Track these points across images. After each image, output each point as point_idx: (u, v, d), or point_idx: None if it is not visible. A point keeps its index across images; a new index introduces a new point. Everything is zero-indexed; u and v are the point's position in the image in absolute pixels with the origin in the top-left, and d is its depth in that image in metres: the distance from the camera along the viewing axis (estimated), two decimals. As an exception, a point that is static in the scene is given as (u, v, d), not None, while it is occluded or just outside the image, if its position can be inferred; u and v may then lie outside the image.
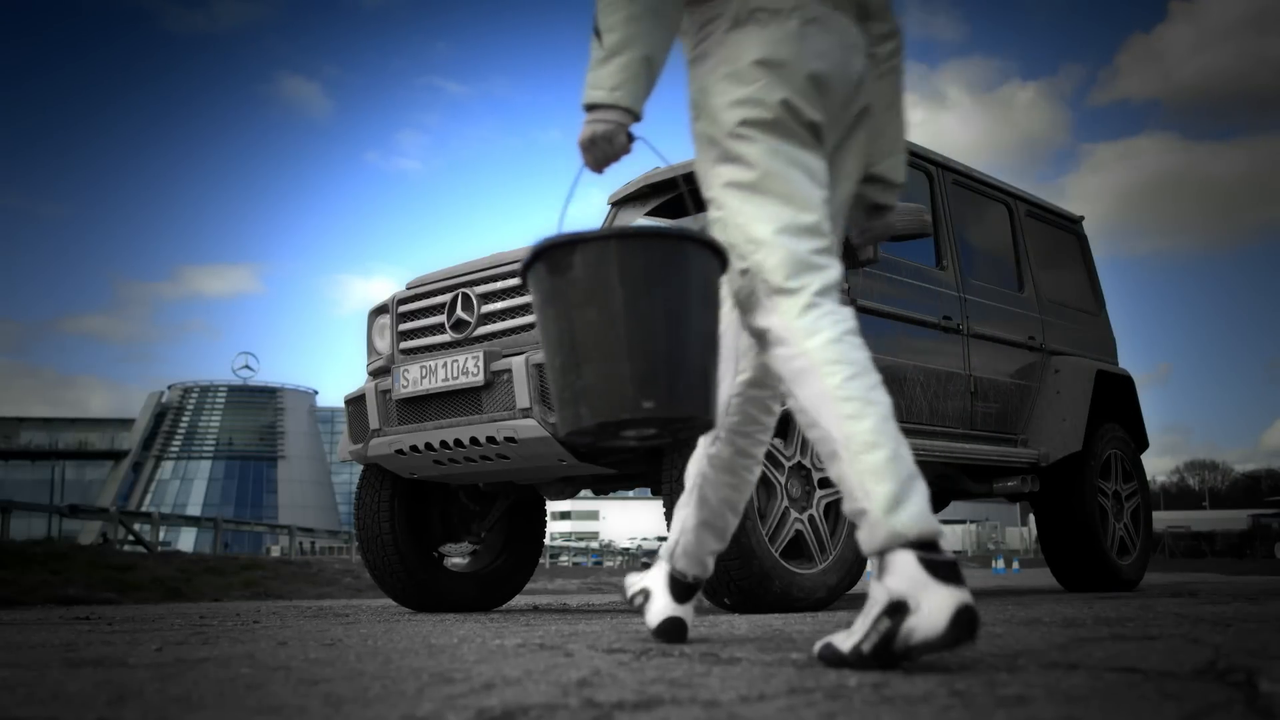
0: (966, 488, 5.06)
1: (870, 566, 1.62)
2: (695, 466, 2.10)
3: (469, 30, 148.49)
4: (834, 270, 1.80)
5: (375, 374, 4.30)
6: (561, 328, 1.70)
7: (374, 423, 4.14)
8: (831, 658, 1.59)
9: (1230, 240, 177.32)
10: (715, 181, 1.86)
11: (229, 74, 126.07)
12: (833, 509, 3.78)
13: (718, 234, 1.82)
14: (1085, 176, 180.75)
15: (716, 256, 1.75)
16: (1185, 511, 63.02)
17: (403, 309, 4.21)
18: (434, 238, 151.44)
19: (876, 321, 4.32)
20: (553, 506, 5.34)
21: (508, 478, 4.27)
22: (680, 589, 2.16)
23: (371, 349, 4.39)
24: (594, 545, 43.26)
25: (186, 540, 34.10)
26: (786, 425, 3.61)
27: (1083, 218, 6.19)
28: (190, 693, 1.37)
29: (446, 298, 4.05)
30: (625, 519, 68.46)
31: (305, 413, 74.38)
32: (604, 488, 4.64)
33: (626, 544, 44.46)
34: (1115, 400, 5.69)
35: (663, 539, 2.24)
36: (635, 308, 1.65)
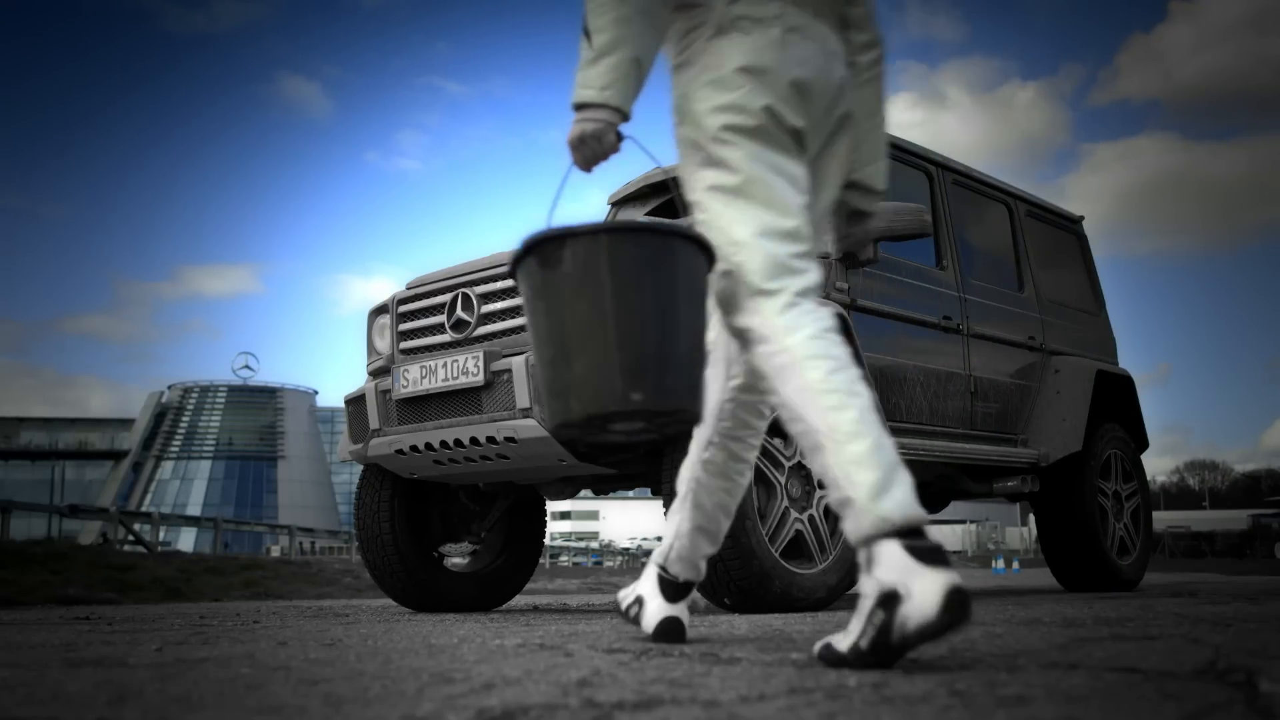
0: (966, 488, 5.06)
1: (859, 559, 1.63)
2: (688, 472, 2.11)
3: (469, 30, 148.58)
4: (813, 274, 1.85)
5: (375, 374, 4.30)
6: (551, 321, 1.71)
7: (374, 423, 4.14)
8: (831, 658, 1.59)
9: (1230, 240, 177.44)
10: (698, 185, 1.90)
11: (229, 74, 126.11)
12: (833, 509, 3.78)
13: None
14: (1085, 176, 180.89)
15: (704, 253, 1.77)
16: (1185, 511, 63.02)
17: (403, 309, 4.21)
18: (434, 238, 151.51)
19: (876, 321, 4.32)
20: (553, 506, 5.34)
21: (508, 478, 4.27)
22: (673, 590, 2.17)
23: (371, 349, 4.39)
24: (594, 545, 43.24)
25: (186, 540, 34.09)
26: (786, 425, 3.61)
27: (1083, 218, 6.19)
28: (190, 693, 1.37)
29: (446, 298, 4.05)
30: (625, 519, 68.45)
31: (305, 413, 74.37)
32: (604, 488, 4.64)
33: (626, 544, 44.45)
34: (1115, 400, 5.69)
35: (662, 539, 2.25)
36: (625, 301, 1.67)
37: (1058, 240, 5.91)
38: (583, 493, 4.72)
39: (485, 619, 3.63)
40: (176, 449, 70.16)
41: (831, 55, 1.98)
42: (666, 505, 3.37)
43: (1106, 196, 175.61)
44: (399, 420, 4.04)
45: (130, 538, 15.46)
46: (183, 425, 71.26)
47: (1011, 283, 5.38)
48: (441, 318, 4.04)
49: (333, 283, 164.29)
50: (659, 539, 2.22)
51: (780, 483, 3.66)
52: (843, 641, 1.58)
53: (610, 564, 32.83)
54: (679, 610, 2.17)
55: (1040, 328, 5.40)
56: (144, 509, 39.74)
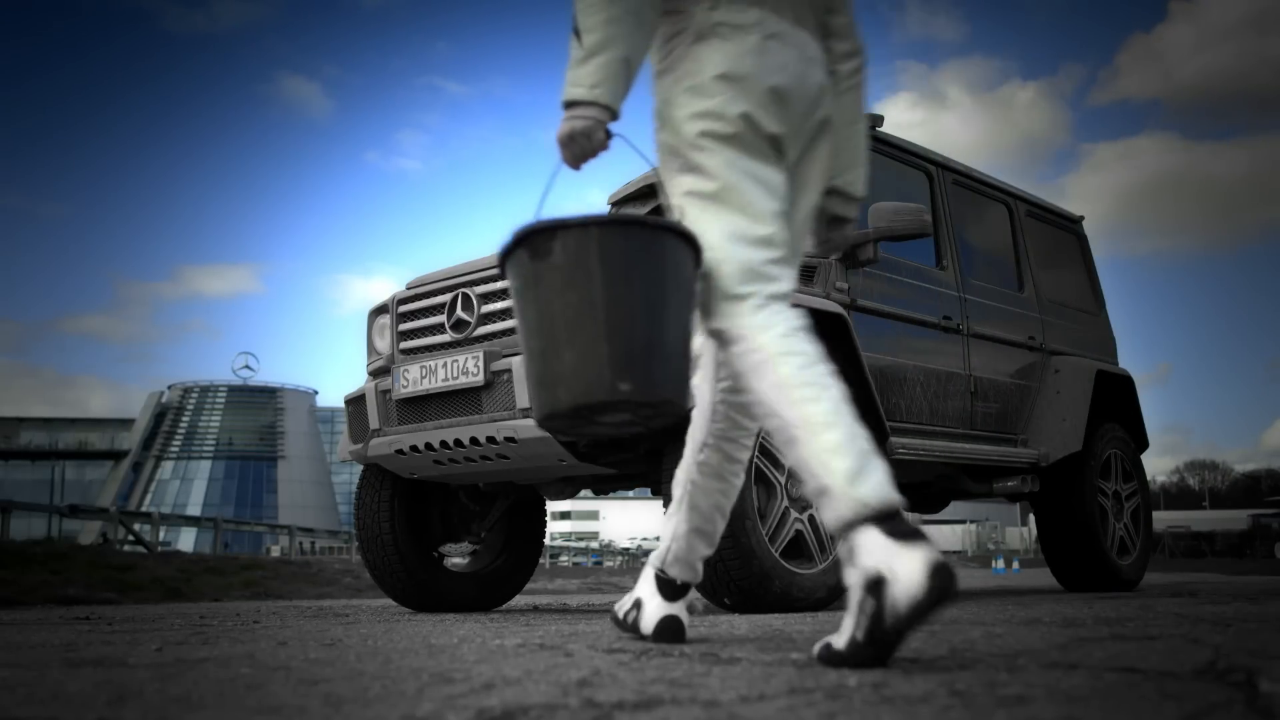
0: (966, 488, 5.06)
1: (840, 554, 1.65)
2: (684, 474, 2.13)
3: (469, 30, 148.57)
4: (785, 281, 1.88)
5: (375, 374, 4.30)
6: (541, 312, 1.73)
7: (374, 423, 4.14)
8: (831, 658, 1.60)
9: (1230, 240, 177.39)
10: (676, 190, 1.93)
11: (229, 74, 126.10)
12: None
13: None
14: (1085, 176, 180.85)
15: (691, 249, 1.79)
16: (1185, 511, 63.02)
17: (403, 309, 4.21)
18: (434, 238, 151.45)
19: (876, 321, 4.32)
20: (553, 506, 5.34)
21: (508, 478, 4.27)
22: (671, 589, 2.18)
23: (371, 349, 4.39)
24: (594, 545, 43.24)
25: (186, 540, 34.08)
26: (786, 425, 3.61)
27: (1083, 218, 6.19)
28: (190, 693, 1.37)
29: (446, 298, 4.05)
30: (625, 519, 68.45)
31: (305, 413, 74.36)
32: (604, 488, 4.64)
33: (626, 544, 44.45)
34: (1115, 400, 5.69)
35: (660, 540, 2.25)
36: (614, 293, 1.69)
37: (1058, 240, 5.91)
38: (583, 493, 4.72)
39: (485, 619, 3.63)
40: (176, 449, 70.15)
41: (810, 61, 2.01)
42: (666, 505, 3.38)
43: (1106, 196, 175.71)
44: (399, 420, 4.04)
45: (130, 538, 15.46)
46: (183, 425, 71.26)
47: (1011, 283, 5.38)
48: (441, 318, 4.04)
49: (333, 283, 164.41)
50: (659, 539, 2.23)
51: (780, 483, 3.66)
52: (840, 639, 1.59)
53: (610, 564, 32.82)
54: (678, 609, 2.17)
55: (1040, 328, 5.40)
56: (144, 509, 39.74)
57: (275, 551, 25.90)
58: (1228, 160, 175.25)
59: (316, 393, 76.33)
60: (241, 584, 7.55)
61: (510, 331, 3.84)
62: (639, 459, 3.86)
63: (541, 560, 9.34)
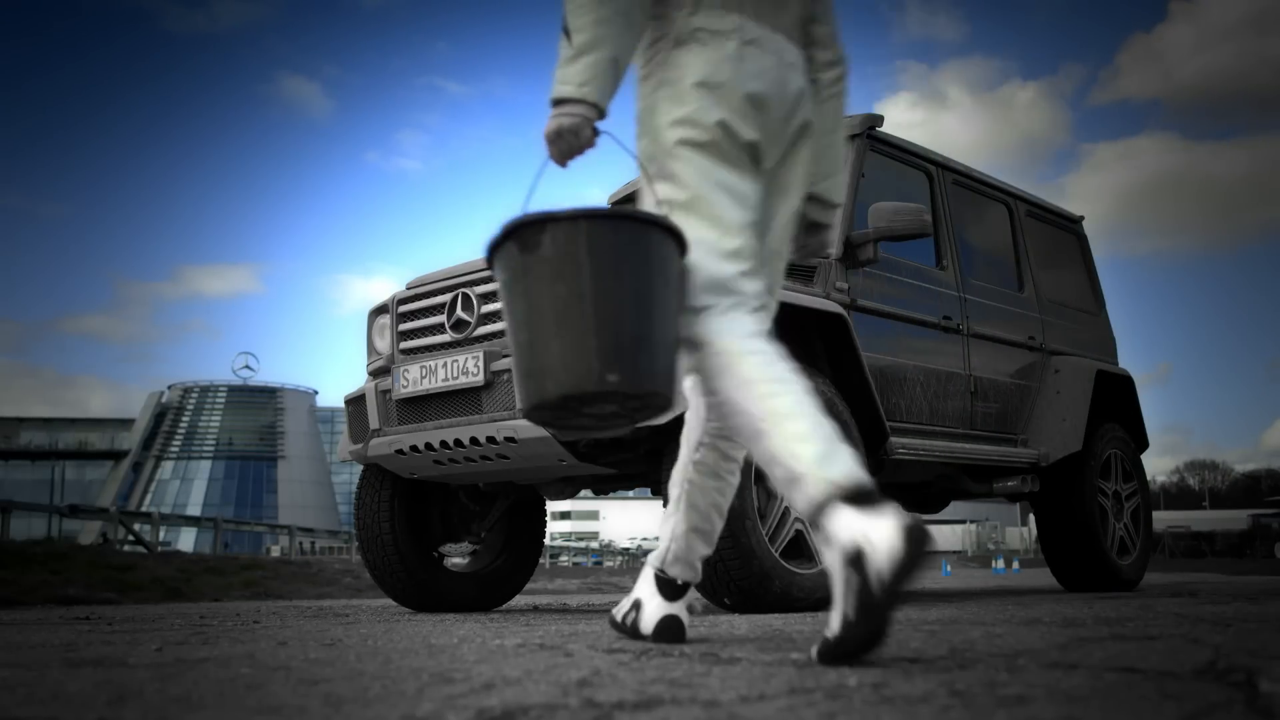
0: (966, 488, 5.06)
1: (816, 542, 1.65)
2: (680, 474, 2.14)
3: (469, 30, 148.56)
4: (750, 296, 1.92)
5: (375, 374, 4.30)
6: (529, 304, 1.74)
7: (374, 423, 4.14)
8: (828, 649, 1.60)
9: (1230, 240, 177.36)
10: (651, 197, 1.97)
11: (229, 74, 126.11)
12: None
13: None
14: (1085, 176, 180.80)
15: (677, 243, 1.82)
16: (1185, 511, 63.02)
17: (403, 309, 4.21)
18: (434, 238, 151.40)
19: (876, 321, 4.32)
20: (553, 506, 5.34)
21: (508, 478, 4.27)
22: (671, 589, 2.18)
23: (371, 349, 4.39)
24: (594, 545, 43.24)
25: (186, 540, 34.08)
26: (786, 425, 3.61)
27: (1083, 218, 6.19)
28: (190, 693, 1.37)
29: (446, 298, 4.05)
30: (625, 519, 68.45)
31: (305, 413, 74.36)
32: (604, 488, 4.64)
33: (626, 544, 44.44)
34: (1115, 400, 5.69)
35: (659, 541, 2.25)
36: (603, 285, 1.71)
37: (1058, 240, 5.91)
38: (583, 493, 4.72)
39: (485, 619, 3.63)
40: (176, 449, 70.15)
41: (788, 66, 2.04)
42: (666, 506, 3.38)
43: (1106, 196, 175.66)
44: (399, 420, 4.04)
45: (130, 538, 15.46)
46: (183, 425, 71.26)
47: (1011, 283, 5.38)
48: (441, 318, 4.04)
49: (333, 283, 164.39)
50: (658, 539, 2.24)
51: (780, 483, 3.66)
52: (833, 626, 1.61)
53: (610, 564, 32.82)
54: (678, 609, 2.17)
55: (1040, 328, 5.40)
56: (144, 509, 39.74)
57: (275, 551, 25.90)
58: (1228, 160, 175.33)
59: (316, 393, 76.41)
60: (241, 584, 7.55)
61: (510, 331, 3.84)
62: (639, 459, 3.86)
63: (541, 560, 9.34)
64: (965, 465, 4.85)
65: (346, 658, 1.87)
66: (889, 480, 4.90)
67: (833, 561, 1.61)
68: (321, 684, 1.44)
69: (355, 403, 4.29)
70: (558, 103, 1.88)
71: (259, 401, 72.64)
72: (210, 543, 19.30)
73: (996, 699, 1.19)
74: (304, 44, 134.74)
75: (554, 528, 20.11)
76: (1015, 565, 29.02)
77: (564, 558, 34.41)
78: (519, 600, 5.86)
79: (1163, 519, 44.41)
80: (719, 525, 2.16)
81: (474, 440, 3.76)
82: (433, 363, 3.92)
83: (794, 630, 2.46)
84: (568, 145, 1.89)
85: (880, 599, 1.53)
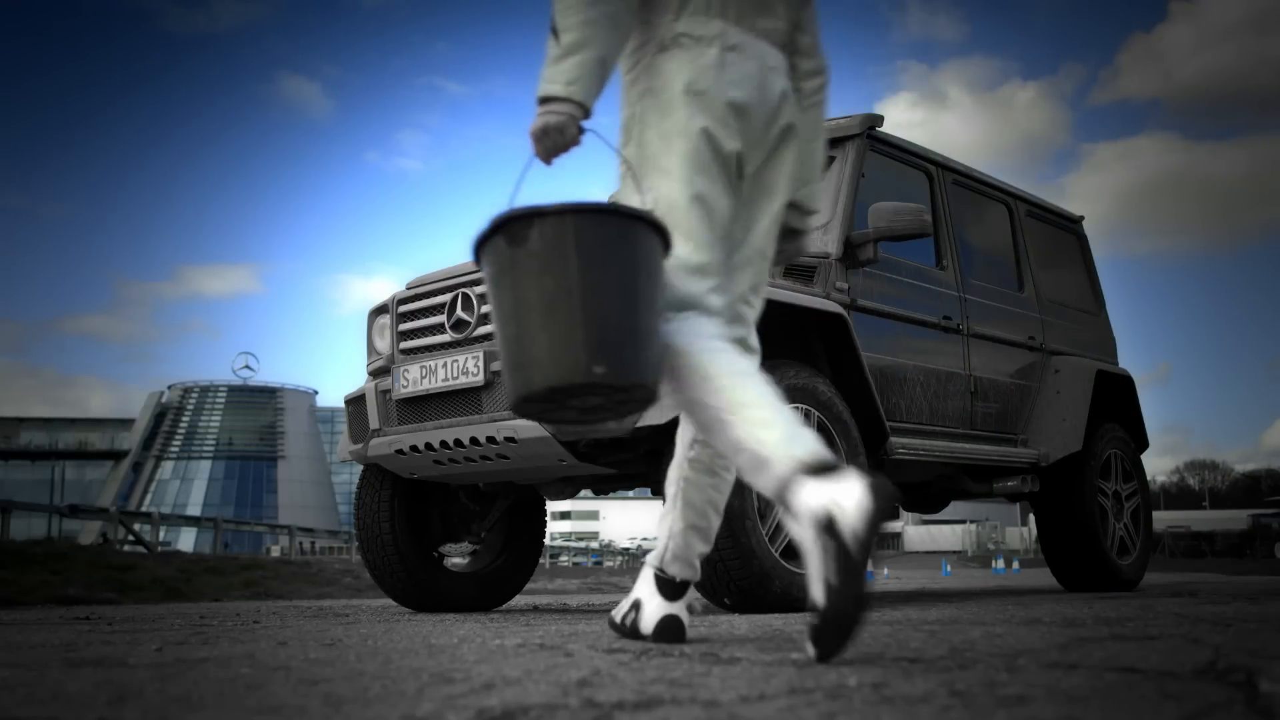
0: (966, 488, 5.06)
1: (787, 525, 1.75)
2: (675, 473, 2.15)
3: (469, 30, 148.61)
4: (714, 314, 1.97)
5: (375, 374, 4.30)
6: (517, 298, 1.77)
7: (374, 423, 4.14)
8: (823, 626, 1.63)
9: (1230, 240, 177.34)
10: (636, 197, 2.00)
11: (229, 74, 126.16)
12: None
13: None
14: (1085, 176, 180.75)
15: (662, 239, 1.85)
16: (1185, 511, 63.03)
17: (403, 309, 4.21)
18: (434, 238, 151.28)
19: (876, 321, 4.32)
20: (553, 506, 5.34)
21: (508, 478, 4.27)
22: (671, 588, 2.18)
23: (371, 349, 4.39)
24: (594, 545, 43.24)
25: (186, 540, 34.08)
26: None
27: (1083, 218, 6.19)
28: (190, 693, 1.37)
29: (446, 298, 4.05)
30: (625, 519, 68.47)
31: (305, 413, 74.35)
32: (604, 488, 4.64)
33: (626, 544, 44.47)
34: (1115, 400, 5.69)
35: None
36: (590, 279, 1.73)
37: (1058, 240, 5.91)
38: (583, 493, 4.72)
39: (485, 619, 3.63)
40: (176, 449, 70.15)
41: (771, 71, 2.09)
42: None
43: (1106, 196, 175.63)
44: (399, 420, 4.04)
45: (130, 538, 15.45)
46: (183, 425, 71.25)
47: (1011, 283, 5.38)
48: (441, 318, 4.04)
49: (333, 283, 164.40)
50: (657, 538, 2.24)
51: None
52: (817, 598, 1.64)
53: (610, 564, 32.82)
54: (678, 609, 2.17)
55: (1040, 328, 5.40)
56: (144, 509, 39.73)
57: (275, 551, 25.90)
58: (1228, 160, 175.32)
59: (316, 393, 76.39)
60: (241, 584, 7.55)
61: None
62: (639, 459, 3.86)
63: (541, 560, 9.34)
64: (965, 465, 4.85)
65: (346, 658, 1.87)
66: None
67: (805, 534, 1.66)
68: (321, 684, 1.44)
69: (355, 403, 4.29)
70: (544, 101, 1.91)
71: (259, 401, 72.63)
72: (210, 543, 19.30)
73: (996, 699, 1.19)
74: (304, 44, 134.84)
75: (554, 528, 20.11)
76: (1015, 565, 29.02)
77: (564, 558, 34.41)
78: (519, 600, 5.86)
79: (1163, 519, 44.42)
80: (716, 522, 2.17)
81: (474, 440, 3.76)
82: (433, 363, 3.92)
83: (794, 630, 2.46)
84: (553, 143, 1.92)
85: (858, 559, 1.59)
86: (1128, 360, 6.97)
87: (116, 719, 1.16)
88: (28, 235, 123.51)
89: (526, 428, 3.61)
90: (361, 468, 4.47)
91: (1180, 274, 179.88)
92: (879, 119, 4.59)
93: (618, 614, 2.27)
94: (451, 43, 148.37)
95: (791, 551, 3.67)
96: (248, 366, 73.74)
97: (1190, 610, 3.10)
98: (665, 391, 1.92)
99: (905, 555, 55.45)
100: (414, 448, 3.95)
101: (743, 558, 3.42)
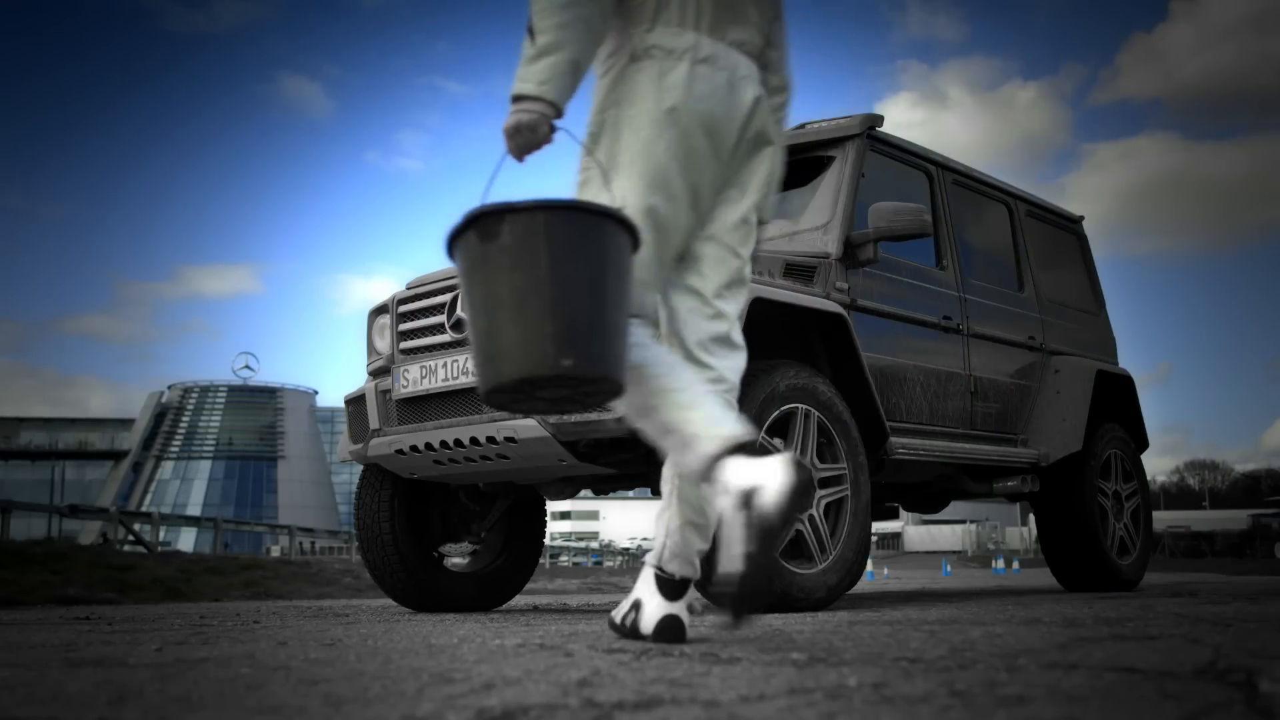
0: (966, 488, 5.06)
1: (716, 499, 1.88)
2: (670, 470, 2.15)
3: (470, 30, 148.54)
4: (645, 317, 2.06)
5: (375, 374, 4.30)
6: (488, 291, 1.82)
7: (374, 423, 4.14)
8: (739, 590, 1.78)
9: (1231, 240, 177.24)
10: (605, 194, 2.05)
11: (229, 74, 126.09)
12: (833, 509, 3.78)
13: None
14: (1085, 176, 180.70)
15: (630, 236, 1.90)
16: (1185, 511, 63.00)
17: (403, 309, 4.21)
18: (434, 238, 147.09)
19: (876, 321, 4.32)
20: (553, 506, 5.34)
21: (508, 478, 4.27)
22: (671, 588, 2.17)
23: (371, 349, 4.38)
24: (594, 545, 43.24)
25: (186, 540, 34.07)
26: (786, 425, 3.61)
27: (1083, 218, 6.19)
28: (190, 693, 1.37)
29: (447, 298, 4.04)
30: (625, 519, 68.44)
31: (305, 413, 74.32)
32: (604, 488, 4.63)
33: (626, 544, 44.46)
34: (1115, 400, 5.69)
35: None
36: (559, 273, 1.78)
37: (1058, 240, 5.91)
38: (583, 493, 4.71)
39: (485, 619, 3.63)
40: (176, 449, 70.12)
41: (742, 80, 2.15)
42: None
43: (1106, 196, 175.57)
44: (399, 420, 4.04)
45: (130, 538, 15.45)
46: (183, 425, 71.23)
47: (1011, 283, 5.38)
48: (441, 318, 4.04)
49: (333, 283, 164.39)
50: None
51: (780, 483, 3.66)
52: (734, 565, 1.77)
53: (610, 564, 32.81)
54: (678, 608, 2.17)
55: (1040, 328, 5.40)
56: (144, 509, 39.73)
57: (275, 551, 25.89)
58: (1228, 160, 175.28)
59: (316, 393, 76.36)
60: (241, 584, 7.55)
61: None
62: (639, 459, 3.85)
63: (541, 560, 9.33)
64: (965, 465, 4.85)
65: (346, 658, 1.87)
66: (889, 480, 4.90)
67: (728, 506, 1.80)
68: (321, 684, 1.44)
69: (355, 403, 4.29)
70: (517, 99, 1.96)
71: (259, 401, 72.61)
72: (210, 543, 19.29)
73: (996, 699, 1.19)
74: (304, 44, 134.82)
75: (554, 528, 20.10)
76: (1015, 565, 29.01)
77: (564, 558, 34.40)
78: (519, 600, 5.86)
79: (1163, 519, 44.40)
80: (714, 518, 2.17)
81: (474, 440, 3.76)
82: (433, 363, 3.92)
83: (794, 630, 2.46)
84: (525, 140, 1.97)
85: (772, 527, 1.74)
86: (1128, 360, 6.97)
87: (116, 719, 1.16)
88: (28, 235, 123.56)
89: (526, 428, 3.61)
90: (361, 468, 4.47)
91: (1180, 274, 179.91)
92: (879, 119, 4.59)
93: (618, 614, 2.27)
94: (452, 42, 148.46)
95: (791, 551, 3.67)
96: (248, 366, 73.78)
97: (1190, 610, 3.10)
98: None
99: (905, 555, 55.52)
100: (414, 448, 3.95)
101: (743, 558, 3.42)
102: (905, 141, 4.81)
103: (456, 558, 5.31)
